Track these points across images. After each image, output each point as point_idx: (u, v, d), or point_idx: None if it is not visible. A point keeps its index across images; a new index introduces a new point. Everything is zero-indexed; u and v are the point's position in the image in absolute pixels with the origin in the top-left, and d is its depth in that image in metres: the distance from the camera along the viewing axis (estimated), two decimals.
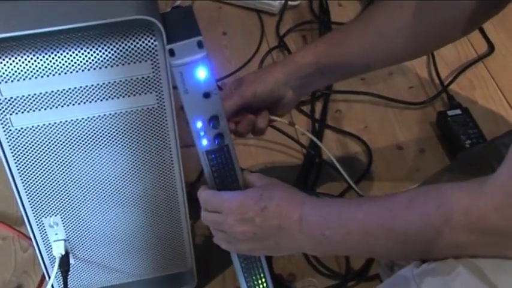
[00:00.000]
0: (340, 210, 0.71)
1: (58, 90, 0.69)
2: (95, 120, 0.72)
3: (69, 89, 0.69)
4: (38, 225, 0.81)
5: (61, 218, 0.81)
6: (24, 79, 0.67)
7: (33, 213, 0.80)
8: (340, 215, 0.70)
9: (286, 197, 0.74)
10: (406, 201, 0.67)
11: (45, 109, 0.70)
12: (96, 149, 0.75)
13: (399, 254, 0.70)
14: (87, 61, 0.67)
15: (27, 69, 0.66)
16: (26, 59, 0.66)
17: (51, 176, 0.76)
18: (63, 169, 0.76)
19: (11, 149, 0.73)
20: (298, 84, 0.88)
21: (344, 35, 0.89)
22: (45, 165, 0.75)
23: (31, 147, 0.73)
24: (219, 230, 0.79)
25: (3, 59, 0.66)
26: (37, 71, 0.67)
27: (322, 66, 0.87)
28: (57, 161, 0.75)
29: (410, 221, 0.66)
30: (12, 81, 0.67)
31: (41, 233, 0.82)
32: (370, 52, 0.87)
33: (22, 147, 0.73)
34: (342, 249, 0.75)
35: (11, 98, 0.68)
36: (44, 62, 0.66)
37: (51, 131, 0.72)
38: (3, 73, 0.66)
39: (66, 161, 0.75)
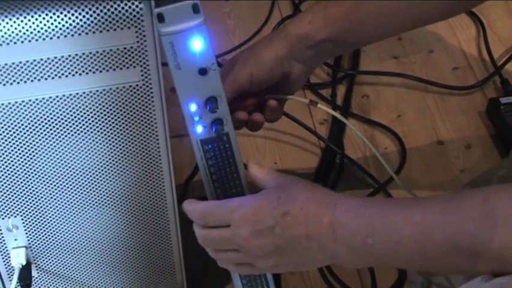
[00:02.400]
0: (387, 211, 0.70)
1: (21, 62, 0.69)
2: (65, 100, 0.72)
3: (35, 60, 0.69)
4: None
5: (22, 220, 0.82)
6: None
7: None
8: (389, 218, 0.69)
9: (311, 197, 0.73)
10: (482, 200, 0.65)
11: (4, 85, 0.70)
12: (66, 136, 0.75)
13: (465, 266, 0.68)
14: (56, 26, 0.67)
15: None
16: None
17: (10, 167, 0.76)
18: (25, 159, 0.76)
19: None
20: (306, 56, 0.87)
21: None
22: (3, 154, 0.75)
23: None
24: (226, 251, 0.78)
25: None
26: None
27: (336, 33, 0.86)
28: (19, 150, 0.75)
29: None
30: None
31: None
32: (395, 7, 0.87)
33: None
34: (389, 260, 0.72)
35: None
36: (4, 26, 0.66)
37: (12, 112, 0.72)
38: None
39: (29, 150, 0.75)
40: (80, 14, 0.67)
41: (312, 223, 0.71)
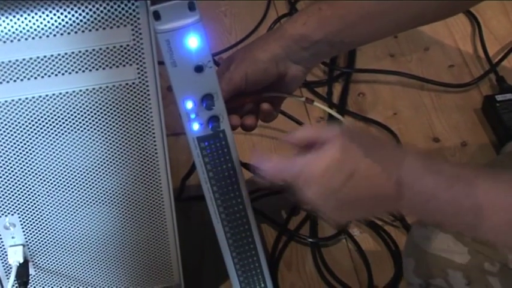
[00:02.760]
0: (452, 181, 0.70)
1: (17, 60, 0.69)
2: (62, 98, 0.72)
3: (31, 58, 0.69)
4: None
5: (19, 218, 0.82)
6: None
7: None
8: (452, 189, 0.69)
9: (377, 155, 0.72)
10: None
11: (1, 83, 0.70)
12: (63, 134, 0.75)
13: None
14: (53, 24, 0.67)
15: None
16: None
17: (7, 165, 0.77)
18: (22, 157, 0.76)
19: None
20: (301, 57, 0.88)
21: None
22: (0, 152, 0.75)
23: None
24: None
25: None
26: None
27: (331, 34, 0.87)
28: (15, 148, 0.75)
29: None
30: None
31: None
32: (392, 8, 0.87)
33: None
34: (447, 223, 0.75)
35: None
36: (1, 24, 0.66)
37: (8, 110, 0.72)
38: None
39: (26, 148, 0.75)
40: (76, 12, 0.67)
41: (378, 183, 0.71)
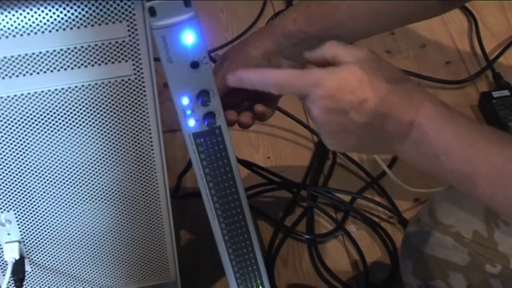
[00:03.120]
0: (471, 139, 0.67)
1: (13, 56, 0.69)
2: (58, 94, 0.72)
3: (27, 54, 0.69)
4: None
5: (15, 214, 0.81)
6: None
7: None
8: (470, 147, 0.67)
9: (396, 90, 0.69)
10: None
11: None
12: (59, 130, 0.75)
13: None
14: (48, 20, 0.67)
15: None
16: None
17: (3, 162, 0.76)
18: (18, 154, 0.76)
19: None
20: (293, 53, 0.87)
21: None
22: None
23: None
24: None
25: None
26: None
27: (321, 31, 0.86)
28: (11, 144, 0.75)
29: None
30: None
31: None
32: (377, 7, 0.87)
33: None
34: (452, 181, 0.71)
35: None
36: None
37: (5, 107, 0.72)
38: None
39: (22, 144, 0.75)
40: (72, 8, 0.67)
41: (390, 117, 0.69)
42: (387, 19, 0.89)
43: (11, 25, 0.67)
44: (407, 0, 0.87)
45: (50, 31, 0.67)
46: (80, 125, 0.75)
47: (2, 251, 0.84)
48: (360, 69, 0.70)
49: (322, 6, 0.86)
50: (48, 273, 0.88)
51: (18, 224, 0.82)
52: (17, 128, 0.74)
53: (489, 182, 0.66)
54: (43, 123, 0.74)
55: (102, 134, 0.77)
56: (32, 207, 0.81)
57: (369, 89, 0.69)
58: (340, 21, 0.86)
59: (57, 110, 0.73)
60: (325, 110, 0.70)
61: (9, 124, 0.73)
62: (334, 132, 0.72)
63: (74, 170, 0.79)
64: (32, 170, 0.78)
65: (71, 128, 0.75)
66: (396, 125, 0.69)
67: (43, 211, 0.82)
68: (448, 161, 0.68)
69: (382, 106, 0.69)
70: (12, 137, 0.74)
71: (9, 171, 0.77)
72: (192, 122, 0.75)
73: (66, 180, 0.80)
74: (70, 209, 0.82)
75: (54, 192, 0.80)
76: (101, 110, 0.74)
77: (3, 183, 0.78)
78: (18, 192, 0.79)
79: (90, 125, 0.75)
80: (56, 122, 0.74)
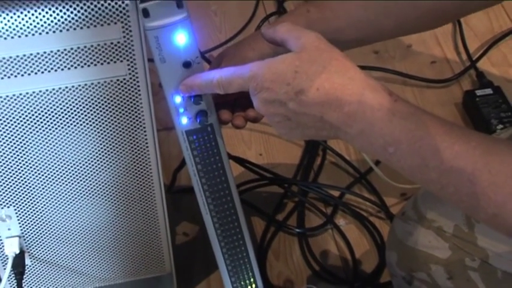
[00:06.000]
0: (421, 133, 0.64)
1: (10, 57, 0.69)
2: (55, 94, 0.72)
3: (24, 55, 0.69)
4: None
5: (15, 210, 0.81)
6: None
7: None
8: (420, 141, 0.64)
9: (333, 80, 0.67)
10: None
11: None
12: (56, 129, 0.75)
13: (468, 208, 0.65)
14: (45, 22, 0.67)
15: None
16: None
17: (3, 160, 0.76)
18: (17, 152, 0.76)
19: None
20: None
21: None
22: None
23: None
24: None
25: None
26: None
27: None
28: (10, 142, 0.75)
29: None
30: None
31: None
32: (379, 17, 0.87)
33: None
34: (401, 170, 0.68)
35: None
36: None
37: (3, 106, 0.72)
38: None
39: (21, 142, 0.75)
40: (67, 10, 0.67)
41: (328, 107, 0.66)
42: (383, 28, 0.88)
43: (9, 27, 0.67)
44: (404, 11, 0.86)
45: (46, 33, 0.67)
46: (77, 123, 0.75)
47: (3, 246, 0.84)
48: (297, 60, 0.68)
49: (322, 12, 0.86)
50: (47, 266, 0.88)
51: (18, 220, 0.82)
52: (16, 126, 0.74)
53: (440, 174, 0.64)
54: (41, 122, 0.74)
55: (98, 132, 0.77)
56: (32, 203, 0.81)
57: (305, 79, 0.67)
58: (338, 28, 0.86)
59: (54, 109, 0.73)
60: (264, 102, 0.69)
61: (8, 123, 0.73)
62: (279, 122, 0.71)
63: (71, 167, 0.79)
64: (31, 167, 0.78)
65: (69, 127, 0.75)
66: (336, 115, 0.67)
67: (42, 207, 0.82)
68: (397, 153, 0.66)
69: (319, 96, 0.66)
70: (12, 135, 0.74)
71: (9, 169, 0.77)
72: (184, 120, 0.76)
73: (64, 177, 0.80)
74: (68, 204, 0.83)
75: (52, 189, 0.81)
76: (97, 109, 0.74)
77: (3, 180, 0.78)
78: (18, 188, 0.79)
79: (87, 123, 0.75)
80: (54, 120, 0.74)
